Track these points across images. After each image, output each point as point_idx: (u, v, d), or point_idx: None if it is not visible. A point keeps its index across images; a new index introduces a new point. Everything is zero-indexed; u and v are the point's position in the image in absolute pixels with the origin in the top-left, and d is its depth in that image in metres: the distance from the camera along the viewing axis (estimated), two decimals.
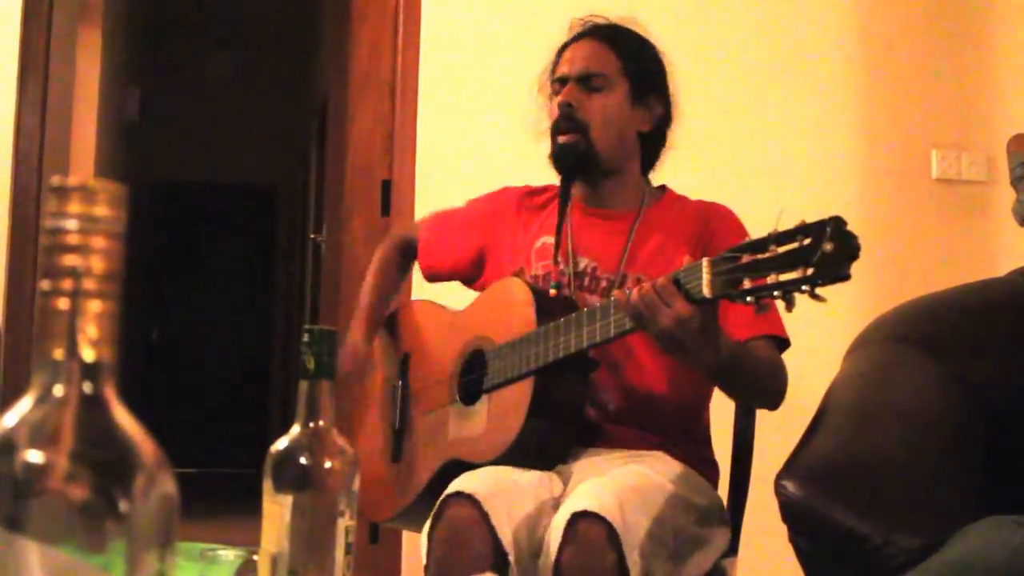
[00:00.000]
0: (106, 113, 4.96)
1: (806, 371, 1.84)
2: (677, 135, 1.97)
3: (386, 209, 3.04)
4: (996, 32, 3.31)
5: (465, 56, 3.04)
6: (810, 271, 1.24)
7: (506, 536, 1.54)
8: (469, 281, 2.01)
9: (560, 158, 1.86)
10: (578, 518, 1.49)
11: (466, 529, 1.55)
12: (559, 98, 1.86)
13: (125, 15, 5.53)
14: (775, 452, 1.58)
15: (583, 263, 1.85)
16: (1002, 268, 1.88)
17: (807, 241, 1.25)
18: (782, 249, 1.28)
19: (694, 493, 1.69)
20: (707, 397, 1.87)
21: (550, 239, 1.88)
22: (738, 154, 3.12)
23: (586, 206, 1.91)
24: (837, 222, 1.24)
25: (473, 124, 2.99)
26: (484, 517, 1.54)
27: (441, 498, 1.60)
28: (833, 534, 1.38)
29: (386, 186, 3.05)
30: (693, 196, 1.95)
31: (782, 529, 1.46)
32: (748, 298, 1.32)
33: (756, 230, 1.84)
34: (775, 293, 1.29)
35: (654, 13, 3.12)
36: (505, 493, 1.58)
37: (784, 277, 1.27)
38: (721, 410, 1.88)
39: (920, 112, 3.24)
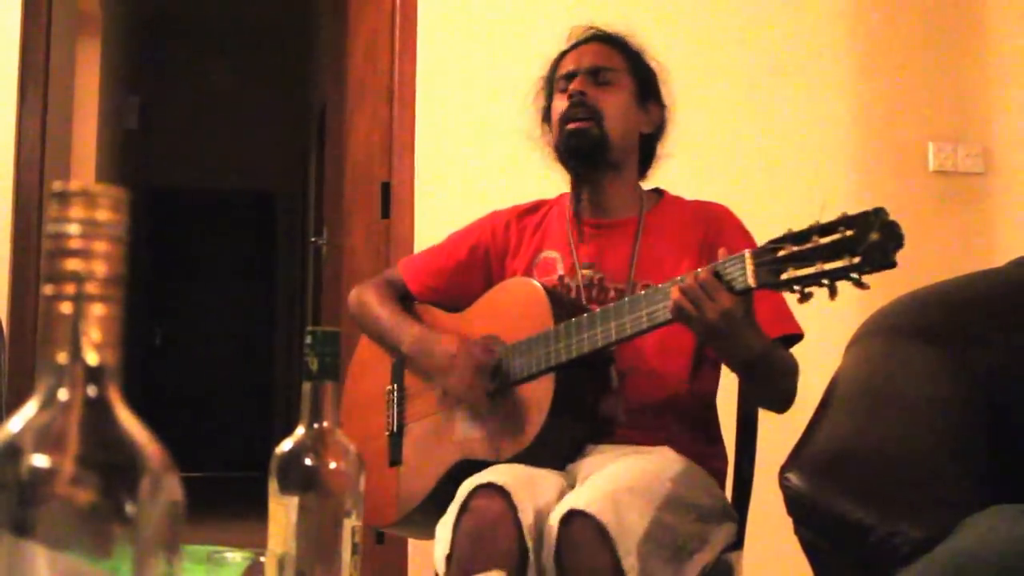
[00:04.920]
0: (106, 121, 4.97)
1: (808, 364, 1.84)
2: (676, 131, 1.97)
3: (386, 211, 3.04)
4: (992, 25, 3.32)
5: (462, 57, 3.04)
6: (856, 259, 1.29)
7: (529, 531, 1.53)
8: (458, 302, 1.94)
9: (573, 144, 1.84)
10: (571, 516, 1.49)
11: (493, 523, 1.53)
12: (571, 86, 1.85)
13: (124, 24, 5.54)
14: (779, 445, 1.58)
15: (588, 274, 1.85)
16: (999, 259, 1.88)
17: (849, 232, 1.30)
18: (825, 240, 1.33)
19: (696, 491, 1.68)
20: (713, 394, 1.87)
21: (552, 253, 1.88)
22: (736, 148, 3.12)
23: (587, 216, 1.91)
24: (881, 213, 1.29)
25: (471, 125, 2.99)
26: (512, 510, 1.53)
27: (468, 489, 1.57)
28: (838, 526, 1.38)
29: (385, 188, 3.05)
30: (692, 191, 1.96)
31: (787, 522, 1.46)
32: (795, 287, 1.37)
33: (756, 223, 1.85)
34: (823, 281, 1.33)
35: (652, 8, 3.13)
36: (530, 487, 1.57)
37: (829, 266, 1.32)
38: (724, 404, 1.88)
39: (917, 105, 3.24)
